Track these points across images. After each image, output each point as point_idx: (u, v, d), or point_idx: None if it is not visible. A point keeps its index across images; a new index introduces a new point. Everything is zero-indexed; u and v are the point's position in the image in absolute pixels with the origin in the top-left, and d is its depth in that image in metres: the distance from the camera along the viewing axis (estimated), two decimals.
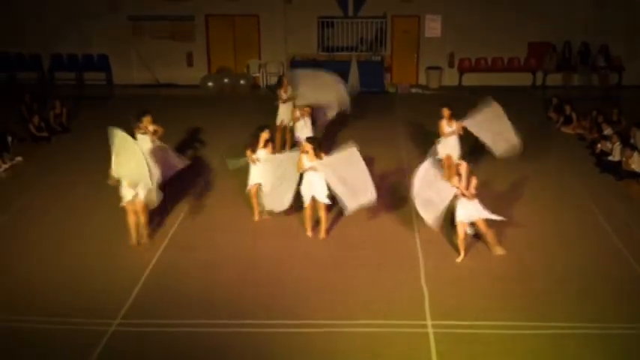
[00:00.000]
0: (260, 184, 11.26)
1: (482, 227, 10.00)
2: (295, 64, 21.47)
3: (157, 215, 11.59)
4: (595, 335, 8.19)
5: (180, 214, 11.78)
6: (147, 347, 8.13)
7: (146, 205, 10.36)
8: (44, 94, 19.04)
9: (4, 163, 14.00)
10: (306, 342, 8.18)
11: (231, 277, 9.67)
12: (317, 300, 9.05)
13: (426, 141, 15.40)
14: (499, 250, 10.13)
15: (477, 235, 10.34)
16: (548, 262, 9.99)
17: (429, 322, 8.49)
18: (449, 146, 12.36)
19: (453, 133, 12.31)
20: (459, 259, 10.02)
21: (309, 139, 10.85)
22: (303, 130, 13.62)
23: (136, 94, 20.92)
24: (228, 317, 8.64)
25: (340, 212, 11.48)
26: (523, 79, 21.84)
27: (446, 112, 12.43)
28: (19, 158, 14.29)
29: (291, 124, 14.19)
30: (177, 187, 12.94)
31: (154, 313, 8.77)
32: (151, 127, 11.96)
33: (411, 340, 8.15)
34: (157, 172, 10.34)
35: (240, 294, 9.21)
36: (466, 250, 10.07)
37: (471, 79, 21.90)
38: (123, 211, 10.41)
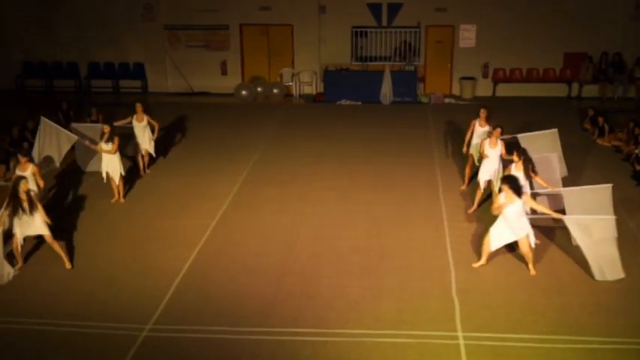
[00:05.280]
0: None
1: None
2: (328, 73, 21.55)
3: (188, 221, 11.72)
4: (629, 350, 8.05)
5: (212, 221, 11.84)
6: (178, 353, 8.17)
7: None
8: (81, 102, 19.36)
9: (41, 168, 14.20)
10: (334, 352, 8.15)
11: (262, 285, 9.69)
12: (346, 310, 9.01)
13: (458, 152, 15.33)
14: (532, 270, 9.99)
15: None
16: (582, 276, 9.83)
17: (460, 334, 8.41)
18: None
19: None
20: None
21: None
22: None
23: (171, 102, 21.16)
24: (258, 325, 8.66)
25: (359, 223, 11.50)
26: (558, 90, 21.60)
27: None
28: (55, 164, 14.49)
29: None
30: (208, 193, 13.05)
31: (185, 319, 8.82)
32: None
33: (442, 352, 8.08)
34: None
35: (271, 302, 9.23)
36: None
37: (505, 90, 21.73)
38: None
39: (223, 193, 13.07)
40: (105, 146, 12.41)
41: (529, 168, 10.52)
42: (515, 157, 10.71)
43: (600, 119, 16.52)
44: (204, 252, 10.75)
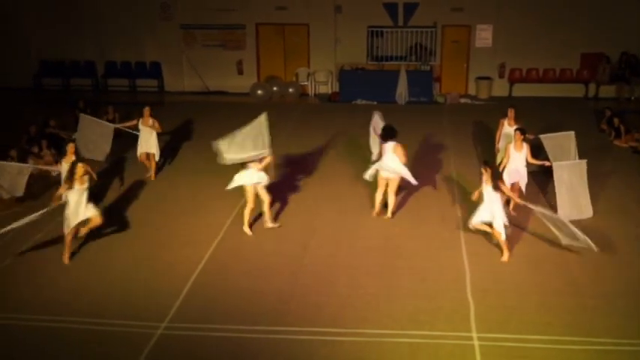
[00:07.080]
0: None
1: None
2: (344, 73, 21.57)
3: (203, 220, 11.76)
4: None
5: (227, 220, 11.89)
6: (193, 351, 8.21)
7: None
8: (98, 100, 19.49)
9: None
10: (351, 351, 8.17)
11: (278, 284, 9.72)
12: (362, 309, 9.03)
13: (474, 151, 15.30)
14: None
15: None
16: (597, 278, 9.80)
17: (475, 335, 8.40)
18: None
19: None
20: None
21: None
22: None
23: (187, 101, 21.27)
24: (275, 324, 8.69)
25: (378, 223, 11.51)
26: (575, 91, 21.49)
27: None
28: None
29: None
30: (223, 192, 13.08)
31: (200, 317, 8.86)
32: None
33: (456, 352, 8.07)
34: None
35: (287, 302, 9.25)
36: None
37: (521, 90, 21.65)
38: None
39: (238, 193, 13.07)
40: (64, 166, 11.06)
41: (496, 180, 10.19)
42: (483, 171, 10.38)
43: (616, 120, 16.41)
44: (219, 251, 10.79)
